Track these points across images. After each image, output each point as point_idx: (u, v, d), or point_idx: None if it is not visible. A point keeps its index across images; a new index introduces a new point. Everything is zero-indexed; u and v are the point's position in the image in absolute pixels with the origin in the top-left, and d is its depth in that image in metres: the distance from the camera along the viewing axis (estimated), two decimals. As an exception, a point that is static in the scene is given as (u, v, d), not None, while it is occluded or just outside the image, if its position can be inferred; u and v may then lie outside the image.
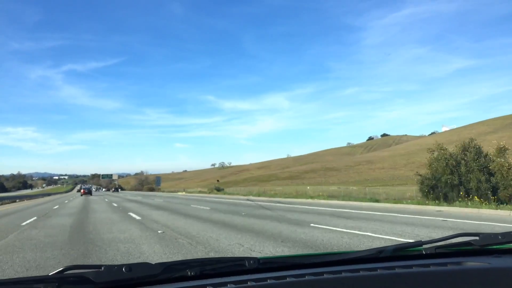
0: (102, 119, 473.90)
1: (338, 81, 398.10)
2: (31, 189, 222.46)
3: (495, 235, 1.65)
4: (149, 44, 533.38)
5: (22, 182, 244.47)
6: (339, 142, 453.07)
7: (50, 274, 1.33)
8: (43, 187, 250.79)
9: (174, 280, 1.39)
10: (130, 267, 1.33)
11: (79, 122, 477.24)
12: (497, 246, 1.67)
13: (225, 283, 1.33)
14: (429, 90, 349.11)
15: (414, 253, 1.71)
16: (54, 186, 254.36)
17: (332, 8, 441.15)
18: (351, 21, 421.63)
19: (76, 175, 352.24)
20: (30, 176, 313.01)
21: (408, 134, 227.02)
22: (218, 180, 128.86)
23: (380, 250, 1.65)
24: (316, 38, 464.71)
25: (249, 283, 1.32)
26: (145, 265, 1.37)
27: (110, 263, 1.88)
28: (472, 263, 1.55)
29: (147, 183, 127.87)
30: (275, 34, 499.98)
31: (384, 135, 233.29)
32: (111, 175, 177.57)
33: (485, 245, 1.65)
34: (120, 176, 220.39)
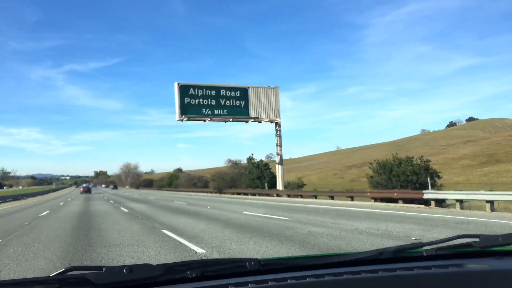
0: (105, 120, 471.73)
1: (341, 80, 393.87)
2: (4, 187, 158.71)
3: (496, 236, 1.64)
4: (150, 43, 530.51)
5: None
6: (341, 140, 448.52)
7: (50, 275, 1.33)
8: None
9: (175, 282, 1.39)
10: (131, 268, 1.32)
11: (82, 123, 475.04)
12: (498, 248, 1.66)
13: (226, 285, 1.33)
14: (432, 88, 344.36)
15: (414, 255, 1.70)
16: (36, 187, 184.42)
17: (335, 5, 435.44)
18: (353, 19, 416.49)
19: (79, 175, 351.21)
20: (30, 176, 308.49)
21: (503, 117, 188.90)
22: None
23: (381, 252, 1.64)
24: (319, 36, 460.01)
25: (250, 285, 1.32)
26: (146, 266, 1.36)
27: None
28: (472, 265, 1.55)
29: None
30: (277, 32, 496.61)
31: (470, 119, 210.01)
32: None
33: (486, 247, 1.64)
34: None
